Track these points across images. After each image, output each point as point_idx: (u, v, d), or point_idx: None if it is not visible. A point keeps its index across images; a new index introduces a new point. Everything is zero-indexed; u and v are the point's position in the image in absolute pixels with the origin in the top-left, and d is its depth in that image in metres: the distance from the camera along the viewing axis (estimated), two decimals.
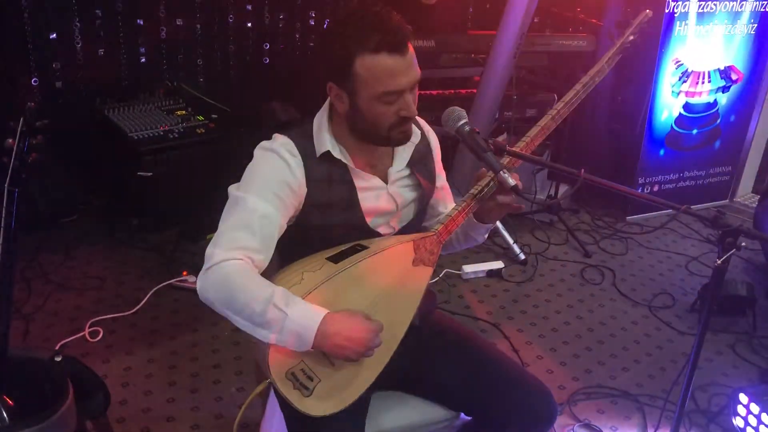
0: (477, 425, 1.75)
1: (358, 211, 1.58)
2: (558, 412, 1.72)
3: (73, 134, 3.33)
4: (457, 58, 3.82)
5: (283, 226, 1.52)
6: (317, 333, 1.38)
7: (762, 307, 3.14)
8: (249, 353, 2.61)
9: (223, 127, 3.41)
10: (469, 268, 3.33)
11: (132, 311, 2.85)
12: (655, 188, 4.14)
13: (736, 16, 3.91)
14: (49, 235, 3.28)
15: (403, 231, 1.67)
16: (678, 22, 3.76)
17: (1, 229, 1.57)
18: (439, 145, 1.76)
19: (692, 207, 1.46)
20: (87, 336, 2.68)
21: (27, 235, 3.13)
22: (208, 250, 1.44)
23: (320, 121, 1.57)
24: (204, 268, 1.43)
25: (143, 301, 2.90)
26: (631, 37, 1.81)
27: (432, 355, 1.71)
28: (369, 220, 1.60)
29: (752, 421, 2.33)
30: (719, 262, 1.41)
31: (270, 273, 1.49)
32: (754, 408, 2.32)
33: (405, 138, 1.55)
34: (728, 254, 1.40)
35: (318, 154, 1.54)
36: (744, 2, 3.89)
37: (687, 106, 4.01)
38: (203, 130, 3.36)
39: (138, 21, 3.57)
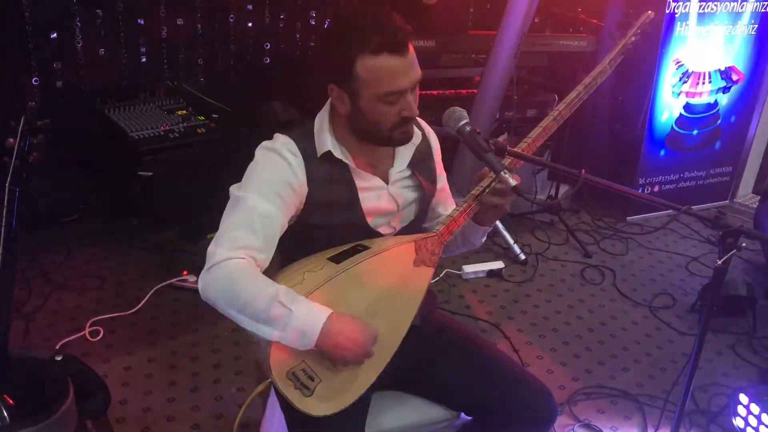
0: (477, 425, 1.75)
1: (359, 211, 1.58)
2: (558, 412, 1.72)
3: (73, 134, 3.33)
4: (458, 58, 3.82)
5: (284, 225, 1.52)
6: (321, 331, 1.39)
7: (762, 307, 3.13)
8: (249, 353, 2.61)
9: (223, 126, 3.41)
10: (469, 268, 3.34)
11: (132, 311, 2.85)
12: (656, 189, 4.14)
13: (736, 16, 3.91)
14: (50, 235, 3.28)
15: (404, 231, 1.67)
16: (679, 23, 3.76)
17: (2, 228, 1.57)
18: (439, 146, 1.76)
19: (692, 207, 1.46)
20: (87, 335, 2.68)
21: (27, 235, 3.12)
22: (210, 249, 1.44)
23: (321, 121, 1.57)
24: (206, 267, 1.43)
25: (143, 301, 2.90)
26: (633, 38, 1.81)
27: (432, 355, 1.71)
28: (370, 221, 1.60)
29: (752, 421, 2.33)
30: (720, 262, 1.41)
31: (271, 273, 1.49)
32: (755, 408, 2.32)
33: (406, 138, 1.55)
34: (729, 255, 1.40)
35: (319, 154, 1.54)
36: (744, 3, 3.89)
37: (687, 107, 4.01)
38: (204, 130, 3.36)
39: (138, 21, 3.56)
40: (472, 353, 1.72)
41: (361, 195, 1.58)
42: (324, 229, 1.57)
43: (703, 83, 3.99)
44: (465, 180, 3.25)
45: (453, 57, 3.79)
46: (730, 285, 3.04)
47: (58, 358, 1.78)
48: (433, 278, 1.64)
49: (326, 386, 1.46)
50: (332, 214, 1.56)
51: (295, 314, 1.38)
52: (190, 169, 3.25)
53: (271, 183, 1.49)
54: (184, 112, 3.48)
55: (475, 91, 3.61)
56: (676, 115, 4.00)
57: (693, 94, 3.99)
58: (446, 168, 1.81)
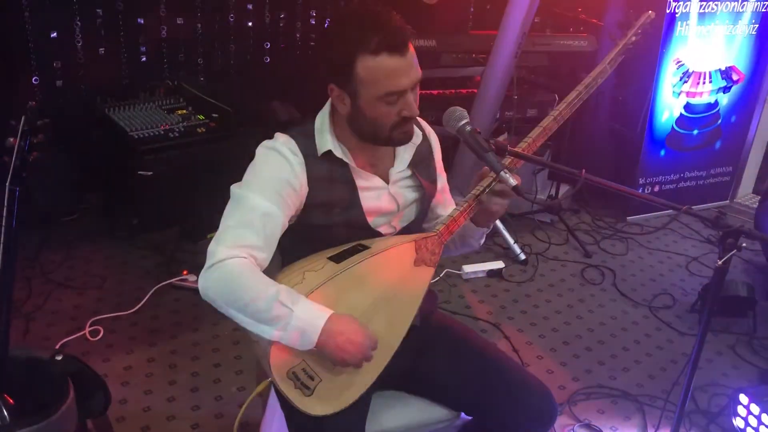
0: (477, 425, 1.75)
1: (360, 210, 1.58)
2: (558, 412, 1.72)
3: (73, 133, 3.33)
4: (458, 57, 3.82)
5: (284, 224, 1.52)
6: (321, 332, 1.39)
7: (762, 307, 3.13)
8: (249, 353, 2.61)
9: (223, 126, 3.41)
10: (469, 268, 3.34)
11: (132, 310, 2.85)
12: (656, 188, 4.14)
13: (737, 16, 3.91)
14: (50, 234, 3.28)
15: (405, 231, 1.67)
16: (679, 23, 3.76)
17: (2, 227, 1.57)
18: (439, 147, 1.76)
19: (692, 207, 1.46)
20: (87, 335, 2.68)
21: (27, 234, 3.13)
22: (210, 248, 1.44)
23: (322, 121, 1.57)
24: (206, 265, 1.43)
25: (144, 301, 2.90)
26: (633, 38, 1.81)
27: (433, 355, 1.71)
28: (370, 220, 1.60)
29: (752, 421, 2.34)
30: (720, 262, 1.41)
31: (271, 272, 1.49)
32: (755, 408, 2.33)
33: (407, 138, 1.55)
34: (729, 255, 1.40)
35: (320, 153, 1.54)
36: (745, 3, 3.89)
37: (688, 107, 4.01)
38: (204, 130, 3.36)
39: (138, 20, 3.56)
40: (473, 353, 1.72)
41: (361, 194, 1.58)
42: (324, 229, 1.57)
43: (704, 83, 3.99)
44: (465, 180, 3.24)
45: (453, 57, 3.79)
46: (731, 285, 3.04)
47: (58, 358, 1.78)
48: (433, 278, 1.64)
49: (326, 386, 1.46)
50: (332, 214, 1.56)
51: (295, 314, 1.39)
52: (190, 168, 3.25)
53: (272, 182, 1.49)
54: (184, 111, 3.48)
55: (476, 90, 3.61)
56: (676, 114, 4.00)
57: (693, 94, 3.99)
58: (446, 168, 1.81)
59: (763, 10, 3.96)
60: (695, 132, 4.12)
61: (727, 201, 4.50)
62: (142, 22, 3.58)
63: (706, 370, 2.78)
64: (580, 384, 2.66)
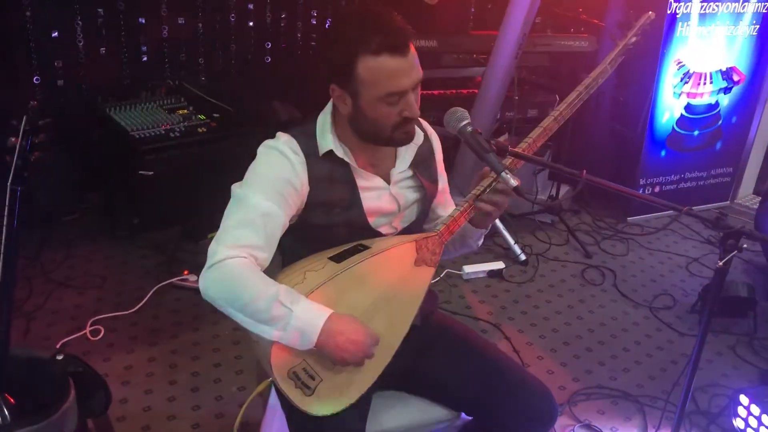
0: (477, 425, 1.75)
1: (360, 210, 1.58)
2: (558, 413, 1.73)
3: (74, 133, 3.33)
4: (459, 58, 3.82)
5: (285, 224, 1.52)
6: (321, 332, 1.39)
7: (763, 308, 3.13)
8: (250, 352, 2.61)
9: (224, 126, 3.41)
10: (469, 269, 3.34)
11: (133, 310, 2.85)
12: (656, 189, 4.14)
13: (738, 17, 3.91)
14: (51, 234, 3.28)
15: (405, 232, 1.67)
16: (680, 23, 3.76)
17: (3, 227, 1.57)
18: (441, 148, 1.76)
19: (693, 208, 1.46)
20: (88, 334, 2.68)
21: (28, 234, 3.13)
22: (211, 248, 1.44)
23: (323, 121, 1.58)
24: (207, 265, 1.43)
25: (144, 300, 2.90)
26: (634, 39, 1.81)
27: (433, 355, 1.71)
28: (371, 221, 1.61)
29: (753, 422, 2.34)
30: (721, 263, 1.41)
31: (272, 272, 1.49)
32: (755, 409, 2.33)
33: (408, 138, 1.55)
34: (729, 256, 1.40)
35: (321, 153, 1.55)
36: (746, 3, 3.89)
37: (688, 108, 4.01)
38: (205, 129, 3.36)
39: (140, 19, 3.56)
40: (473, 353, 1.72)
41: (362, 195, 1.58)
42: (325, 229, 1.57)
43: (704, 84, 3.99)
44: (466, 180, 3.24)
45: (454, 57, 3.79)
46: (731, 286, 3.04)
47: (59, 357, 1.78)
48: (433, 278, 1.64)
49: (327, 386, 1.46)
50: (333, 214, 1.57)
51: (295, 314, 1.39)
52: (191, 168, 3.25)
53: (273, 181, 1.49)
54: (185, 111, 3.48)
55: (476, 91, 3.61)
56: (677, 115, 4.00)
57: (694, 95, 3.99)
58: (447, 168, 1.81)
59: (763, 11, 3.95)
60: (696, 133, 4.12)
61: (728, 202, 4.50)
62: (143, 21, 3.58)
63: (707, 370, 2.79)
64: (580, 384, 2.67)
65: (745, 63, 4.06)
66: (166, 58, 3.71)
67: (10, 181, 1.58)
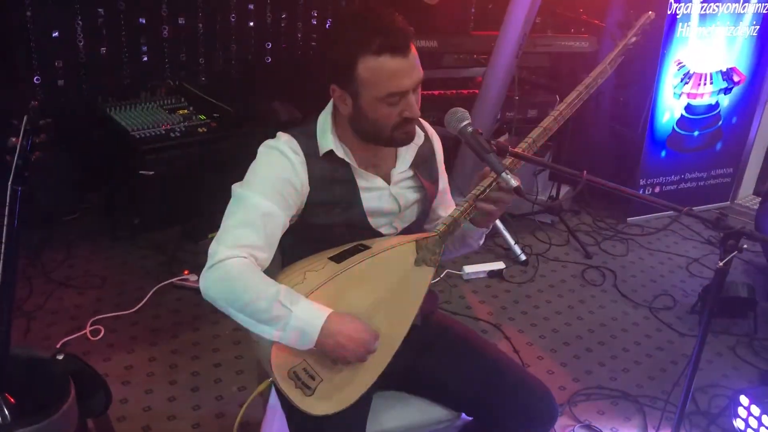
0: (478, 425, 1.76)
1: (361, 210, 1.58)
2: (558, 413, 1.72)
3: (75, 133, 3.34)
4: (460, 58, 3.81)
5: (285, 224, 1.52)
6: (321, 331, 1.39)
7: (763, 309, 3.13)
8: (250, 352, 2.62)
9: (224, 126, 3.41)
10: (470, 269, 3.34)
11: (133, 310, 2.85)
12: (657, 190, 4.14)
13: (738, 17, 3.91)
14: (51, 234, 3.28)
15: (405, 232, 1.67)
16: (680, 24, 3.76)
17: (4, 227, 1.57)
18: (442, 148, 1.76)
19: (693, 209, 1.46)
20: (88, 334, 2.68)
21: (29, 233, 3.13)
22: (211, 248, 1.44)
23: (324, 121, 1.58)
24: (207, 265, 1.44)
25: (144, 300, 2.91)
26: (634, 39, 1.81)
27: (433, 355, 1.72)
28: (371, 221, 1.61)
29: (753, 423, 2.34)
30: (721, 264, 1.41)
31: (272, 272, 1.49)
32: (755, 410, 2.33)
33: (408, 138, 1.55)
34: (730, 256, 1.40)
35: (321, 153, 1.55)
36: (746, 4, 3.89)
37: (689, 108, 4.01)
38: (205, 129, 3.36)
39: (140, 20, 3.56)
40: (473, 354, 1.72)
41: (362, 195, 1.58)
42: (325, 229, 1.57)
43: (705, 84, 3.99)
44: (466, 180, 3.24)
45: (455, 57, 3.79)
46: (731, 286, 3.04)
47: (59, 357, 1.78)
48: (433, 278, 1.64)
49: (327, 385, 1.46)
50: (333, 214, 1.57)
51: (294, 314, 1.39)
52: (192, 168, 3.25)
53: (273, 181, 1.50)
54: (186, 111, 3.48)
55: (477, 91, 3.62)
56: (677, 116, 4.00)
57: (694, 95, 3.99)
58: (447, 168, 1.81)
59: (764, 11, 3.95)
60: (696, 133, 4.12)
61: (728, 202, 4.50)
62: (144, 21, 3.58)
63: (707, 371, 2.79)
64: (580, 385, 2.67)
65: (745, 64, 4.06)
66: (167, 58, 3.71)
67: (10, 181, 1.58)
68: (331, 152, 1.54)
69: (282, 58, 4.04)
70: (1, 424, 1.59)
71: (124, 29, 3.53)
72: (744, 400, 2.37)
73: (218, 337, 2.74)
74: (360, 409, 1.56)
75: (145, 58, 3.65)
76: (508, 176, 1.45)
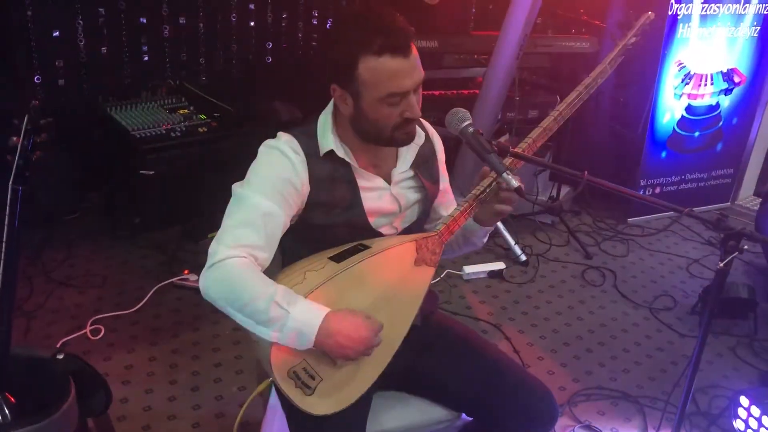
0: (478, 426, 1.76)
1: (361, 210, 1.58)
2: (559, 414, 1.72)
3: (75, 132, 3.34)
4: (460, 58, 3.82)
5: (286, 224, 1.52)
6: (319, 331, 1.39)
7: (763, 309, 3.13)
8: (250, 352, 2.62)
9: (225, 126, 3.41)
10: (470, 269, 3.34)
11: (133, 309, 2.85)
12: (657, 190, 4.14)
13: (739, 18, 3.91)
14: (52, 233, 3.28)
15: (406, 232, 1.67)
16: (681, 24, 3.75)
17: (5, 227, 1.57)
18: (443, 149, 1.76)
19: (694, 209, 1.46)
20: (88, 334, 2.68)
21: (29, 233, 3.13)
22: (211, 248, 1.44)
23: (325, 121, 1.58)
24: (207, 265, 1.44)
25: (145, 300, 2.91)
26: (633, 39, 1.82)
27: (433, 355, 1.72)
28: (372, 221, 1.61)
29: (753, 423, 2.33)
30: (721, 264, 1.41)
31: (272, 272, 1.49)
32: (755, 411, 2.33)
33: (408, 139, 1.55)
34: (730, 257, 1.40)
35: (322, 153, 1.55)
36: (747, 5, 3.89)
37: (689, 109, 4.01)
38: (205, 129, 3.36)
39: (141, 19, 3.56)
40: (473, 354, 1.72)
41: (363, 195, 1.58)
42: (325, 229, 1.57)
43: (705, 85, 3.99)
44: (466, 180, 3.25)
45: (455, 58, 3.80)
46: (731, 287, 3.03)
47: (60, 357, 1.78)
48: (433, 278, 1.64)
49: (327, 385, 1.46)
50: (334, 214, 1.57)
51: (292, 315, 1.38)
52: (192, 167, 3.26)
53: (274, 181, 1.50)
54: (186, 111, 3.49)
55: (477, 91, 3.62)
56: (677, 116, 4.00)
57: (695, 96, 3.99)
58: (448, 168, 1.81)
59: (764, 12, 3.95)
60: (696, 134, 4.12)
61: (728, 203, 4.49)
62: (145, 21, 3.58)
63: (707, 371, 2.79)
64: (580, 385, 2.67)
65: (745, 64, 4.06)
66: (167, 58, 3.71)
67: (11, 180, 1.58)
68: (331, 152, 1.54)
69: (283, 58, 4.04)
70: (2, 424, 1.59)
71: (124, 29, 3.53)
72: (744, 400, 2.37)
73: (218, 337, 2.74)
74: (360, 409, 1.56)
75: (146, 58, 3.65)
76: (509, 176, 1.45)
